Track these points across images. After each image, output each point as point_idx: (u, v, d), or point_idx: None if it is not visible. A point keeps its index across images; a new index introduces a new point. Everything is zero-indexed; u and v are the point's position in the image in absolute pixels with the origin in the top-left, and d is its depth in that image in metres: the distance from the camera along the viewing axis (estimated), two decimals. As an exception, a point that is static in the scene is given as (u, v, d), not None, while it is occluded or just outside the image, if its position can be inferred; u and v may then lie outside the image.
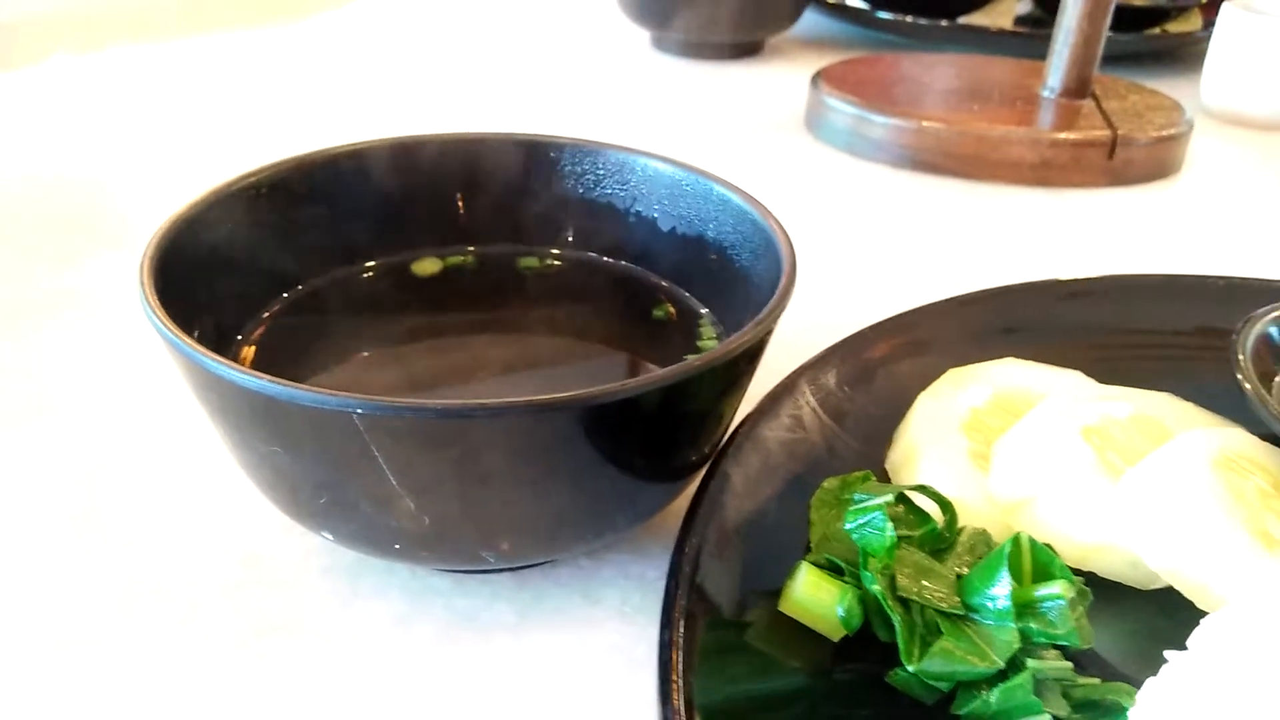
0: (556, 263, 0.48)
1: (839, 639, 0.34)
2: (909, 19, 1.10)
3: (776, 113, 0.92)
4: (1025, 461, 0.40)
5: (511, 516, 0.33)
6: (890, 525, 0.34)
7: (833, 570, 0.35)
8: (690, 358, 0.32)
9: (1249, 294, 0.52)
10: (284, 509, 0.36)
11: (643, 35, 1.11)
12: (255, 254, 0.42)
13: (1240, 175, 0.85)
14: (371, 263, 0.47)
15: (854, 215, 0.73)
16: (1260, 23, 0.91)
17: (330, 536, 0.35)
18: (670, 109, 0.93)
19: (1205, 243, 0.72)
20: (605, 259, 0.48)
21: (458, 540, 0.34)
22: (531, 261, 0.48)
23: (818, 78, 0.88)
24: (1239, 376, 0.42)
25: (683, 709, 0.30)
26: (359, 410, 0.28)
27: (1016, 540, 0.33)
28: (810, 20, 1.15)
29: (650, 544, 0.41)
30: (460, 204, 0.48)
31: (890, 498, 0.35)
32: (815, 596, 0.34)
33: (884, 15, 1.11)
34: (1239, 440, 0.40)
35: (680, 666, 0.31)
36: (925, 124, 0.80)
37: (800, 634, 0.34)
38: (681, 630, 0.32)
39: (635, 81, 1.01)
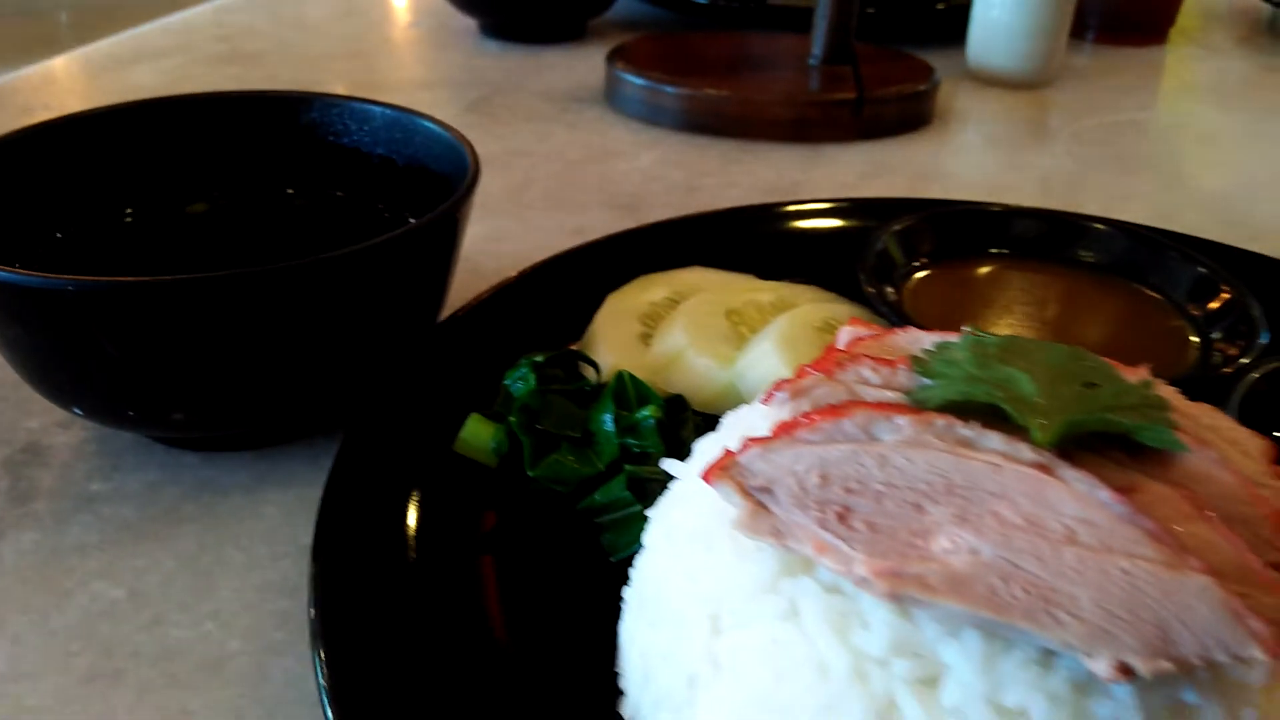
0: (300, 201, 0.57)
1: (495, 465, 0.43)
2: (720, 2, 1.21)
3: (584, 88, 1.01)
4: (675, 332, 0.49)
5: (196, 385, 0.41)
6: (533, 377, 0.44)
7: (495, 418, 0.44)
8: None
9: (906, 208, 0.62)
10: (41, 391, 0.43)
11: (471, 24, 1.19)
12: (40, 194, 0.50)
13: (983, 125, 0.97)
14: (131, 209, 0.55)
15: (639, 172, 0.83)
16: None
17: (80, 412, 0.43)
18: (488, 88, 1.02)
19: (940, 180, 0.83)
20: (340, 193, 0.57)
21: (157, 405, 0.42)
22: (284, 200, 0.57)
23: (613, 55, 0.97)
24: (860, 275, 0.52)
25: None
26: (69, 287, 0.37)
27: (620, 377, 0.42)
28: (629, 5, 1.25)
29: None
30: (225, 153, 0.56)
31: (539, 358, 0.45)
32: (475, 434, 0.43)
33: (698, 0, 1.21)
34: (841, 311, 0.50)
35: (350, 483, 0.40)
36: (703, 91, 0.90)
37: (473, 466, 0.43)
38: (359, 473, 0.41)
39: (460, 65, 1.09)
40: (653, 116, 0.92)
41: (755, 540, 0.28)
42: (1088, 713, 0.26)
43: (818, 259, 0.59)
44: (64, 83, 1.01)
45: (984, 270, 0.55)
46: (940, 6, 1.25)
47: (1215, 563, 0.26)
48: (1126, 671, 0.25)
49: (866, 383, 0.32)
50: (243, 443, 0.48)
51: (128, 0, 1.34)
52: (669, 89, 0.91)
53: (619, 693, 0.33)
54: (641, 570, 0.34)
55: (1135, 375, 0.32)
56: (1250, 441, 0.33)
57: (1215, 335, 0.50)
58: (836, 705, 0.27)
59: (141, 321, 0.38)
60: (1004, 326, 0.50)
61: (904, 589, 0.26)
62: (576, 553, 0.40)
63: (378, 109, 0.56)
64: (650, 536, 0.34)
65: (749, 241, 0.61)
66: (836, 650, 0.27)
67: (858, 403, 0.30)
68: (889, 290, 0.52)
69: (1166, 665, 0.25)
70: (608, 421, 0.42)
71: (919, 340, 0.34)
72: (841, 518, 0.28)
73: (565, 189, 0.80)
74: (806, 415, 0.30)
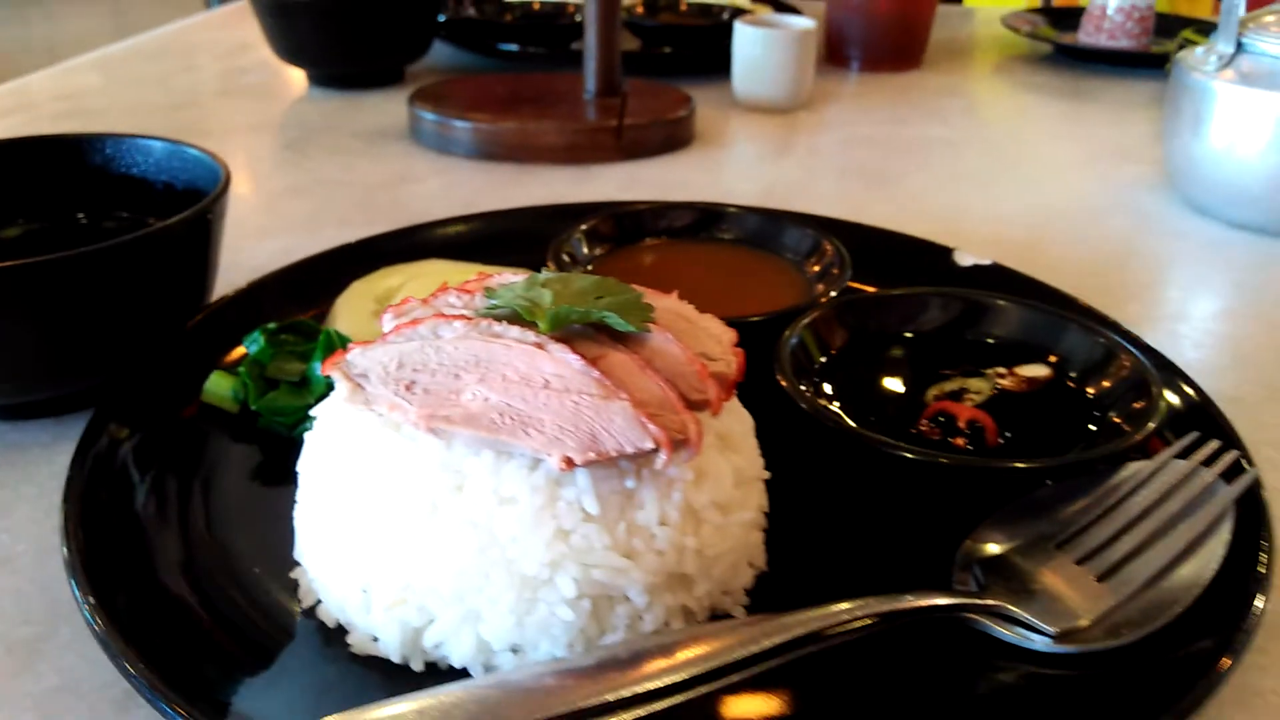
0: (110, 224, 0.69)
1: (236, 410, 0.56)
2: (527, 48, 1.36)
3: (391, 126, 1.15)
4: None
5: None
6: (263, 339, 0.56)
7: (234, 373, 0.57)
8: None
9: (595, 210, 0.76)
10: None
11: (300, 74, 1.32)
12: None
13: (735, 144, 1.13)
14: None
15: (429, 194, 0.96)
16: (760, 33, 1.20)
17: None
18: (307, 129, 1.15)
19: (685, 190, 0.98)
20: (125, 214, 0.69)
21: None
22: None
23: (414, 96, 1.11)
24: (550, 260, 0.66)
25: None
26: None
27: (327, 334, 0.56)
28: (444, 51, 1.39)
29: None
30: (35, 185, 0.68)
31: (272, 326, 0.58)
32: (217, 385, 0.56)
33: (502, 46, 1.36)
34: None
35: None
36: (487, 124, 1.04)
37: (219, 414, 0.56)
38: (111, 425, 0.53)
39: (284, 111, 1.22)
40: (447, 148, 1.06)
41: (354, 407, 0.42)
42: (558, 495, 0.39)
43: (529, 250, 0.73)
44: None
45: (647, 251, 0.71)
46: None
47: (643, 398, 0.41)
48: (569, 462, 0.39)
49: (450, 305, 0.46)
50: (44, 410, 0.60)
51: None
52: (458, 123, 1.05)
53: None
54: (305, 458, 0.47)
55: (710, 320, 0.47)
56: (724, 333, 0.47)
57: (819, 283, 0.65)
58: (400, 501, 0.40)
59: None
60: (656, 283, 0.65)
61: (436, 425, 0.40)
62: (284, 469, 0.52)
63: (158, 143, 0.68)
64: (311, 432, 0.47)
65: (475, 238, 0.75)
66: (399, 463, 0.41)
67: (431, 315, 0.44)
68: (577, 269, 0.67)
69: (593, 457, 0.39)
70: (316, 368, 0.55)
71: (505, 279, 0.48)
72: (408, 388, 0.41)
73: (360, 210, 0.93)
74: (398, 326, 0.44)
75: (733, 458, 0.44)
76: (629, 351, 0.43)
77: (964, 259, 0.72)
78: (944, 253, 0.73)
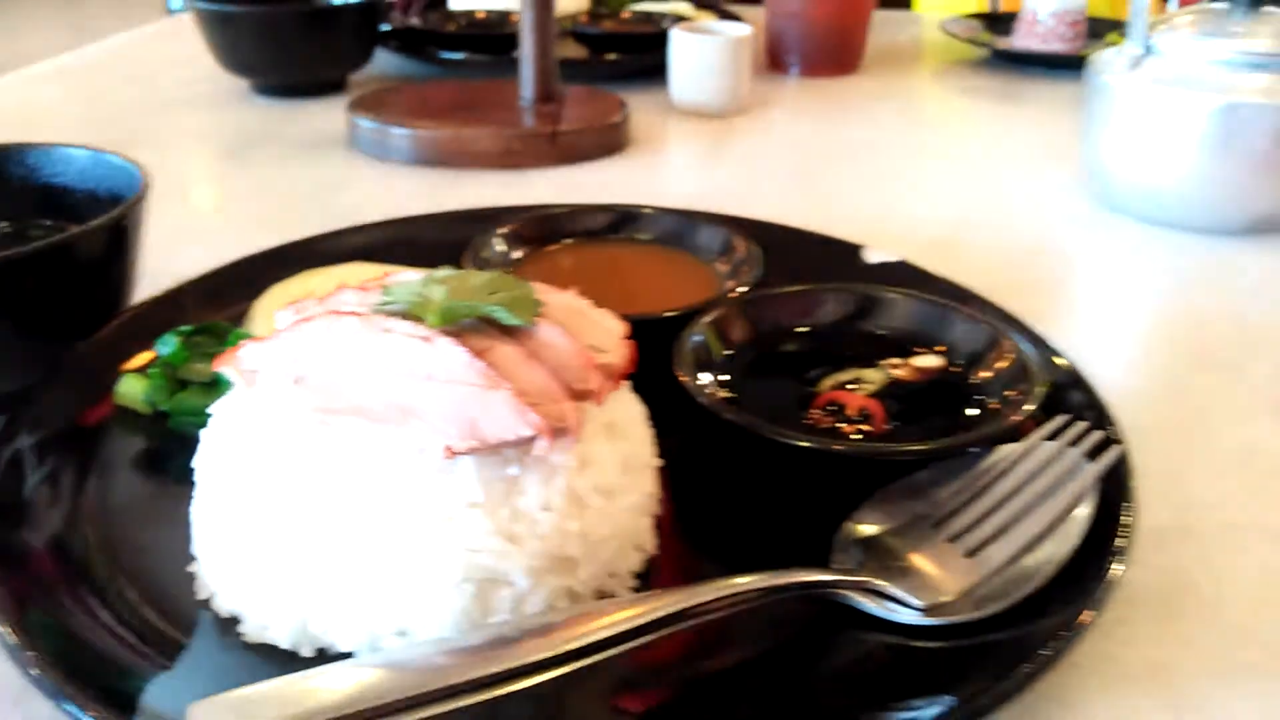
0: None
1: (149, 413, 0.57)
2: (470, 56, 1.38)
3: (332, 134, 1.16)
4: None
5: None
6: (175, 341, 0.58)
7: (147, 375, 0.58)
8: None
9: (513, 214, 0.78)
10: None
11: (245, 84, 1.33)
12: None
13: (668, 149, 1.16)
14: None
15: (364, 200, 0.98)
16: (696, 40, 1.23)
17: None
18: (248, 138, 1.16)
19: (615, 192, 1.00)
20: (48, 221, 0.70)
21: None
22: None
23: (352, 105, 1.13)
24: (474, 261, 0.68)
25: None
26: None
27: (237, 335, 0.57)
28: (390, 60, 1.41)
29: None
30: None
31: (186, 329, 0.59)
32: (129, 386, 0.57)
33: (445, 55, 1.38)
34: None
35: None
36: (421, 131, 1.06)
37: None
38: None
39: (226, 120, 1.23)
40: (385, 154, 1.08)
41: (245, 401, 0.43)
42: (442, 483, 0.41)
43: (453, 253, 0.75)
44: None
45: (564, 253, 0.73)
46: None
47: (526, 388, 0.42)
48: (451, 451, 0.40)
49: (345, 303, 0.47)
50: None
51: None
52: (396, 130, 1.07)
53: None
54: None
55: (603, 314, 0.49)
56: (616, 327, 0.49)
57: (729, 279, 0.68)
58: (287, 491, 0.42)
59: None
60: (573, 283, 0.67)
61: (323, 417, 0.41)
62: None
63: (80, 152, 0.69)
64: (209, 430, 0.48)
65: (399, 242, 0.77)
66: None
67: (325, 312, 0.45)
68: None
69: (475, 444, 0.40)
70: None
71: (404, 278, 0.50)
72: (299, 381, 0.43)
73: (294, 216, 0.94)
74: (295, 323, 0.45)
75: (620, 445, 0.46)
76: (517, 344, 0.45)
77: (872, 256, 0.74)
78: (853, 250, 0.76)
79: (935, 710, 0.39)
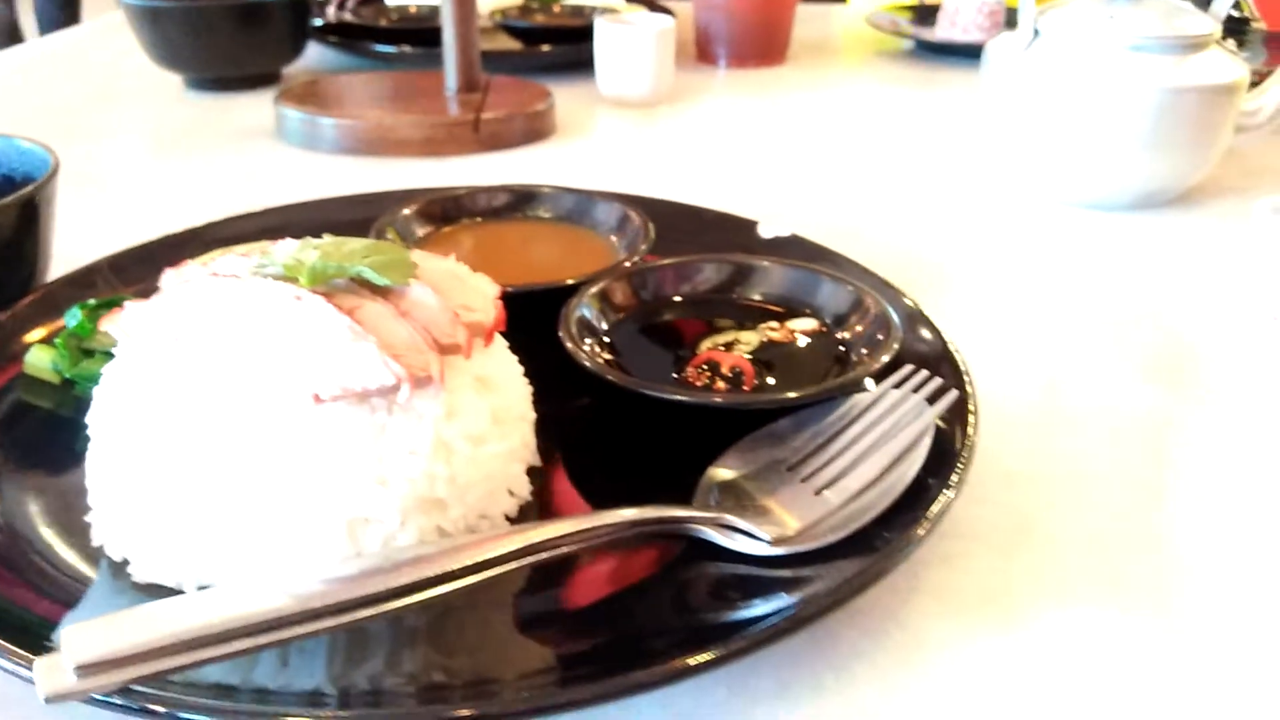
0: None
1: (59, 381, 0.59)
2: (402, 48, 1.40)
3: (261, 126, 1.18)
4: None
5: None
6: (81, 314, 0.60)
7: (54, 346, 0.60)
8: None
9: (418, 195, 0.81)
10: None
11: (177, 79, 1.34)
12: None
13: (591, 136, 1.19)
14: None
15: (289, 187, 1.00)
16: (619, 30, 1.26)
17: None
18: (177, 131, 1.17)
19: (535, 175, 1.03)
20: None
21: None
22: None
23: (279, 96, 1.15)
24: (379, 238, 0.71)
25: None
26: None
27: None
28: (324, 54, 1.43)
29: None
30: None
31: (93, 302, 0.61)
32: (37, 358, 0.59)
33: (379, 48, 1.40)
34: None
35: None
36: (346, 120, 1.08)
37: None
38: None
39: (158, 114, 1.25)
40: (313, 144, 1.10)
41: (127, 357, 0.46)
42: (312, 430, 0.44)
43: (365, 232, 0.77)
44: None
45: (467, 231, 0.76)
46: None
47: (393, 341, 0.45)
48: (318, 398, 0.43)
49: (226, 267, 0.50)
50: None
51: None
52: (322, 119, 1.09)
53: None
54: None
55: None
56: (490, 289, 0.52)
57: (622, 250, 0.71)
58: (167, 439, 0.44)
59: None
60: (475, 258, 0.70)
61: (199, 369, 0.44)
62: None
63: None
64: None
65: (311, 224, 0.79)
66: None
67: (206, 275, 0.48)
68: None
69: (339, 393, 0.43)
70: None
71: (284, 245, 0.53)
72: (178, 338, 0.46)
73: (219, 204, 0.96)
74: (177, 285, 0.48)
75: (491, 398, 0.49)
76: (387, 303, 0.48)
77: (766, 231, 0.78)
78: (750, 225, 0.79)
79: (773, 614, 0.42)
